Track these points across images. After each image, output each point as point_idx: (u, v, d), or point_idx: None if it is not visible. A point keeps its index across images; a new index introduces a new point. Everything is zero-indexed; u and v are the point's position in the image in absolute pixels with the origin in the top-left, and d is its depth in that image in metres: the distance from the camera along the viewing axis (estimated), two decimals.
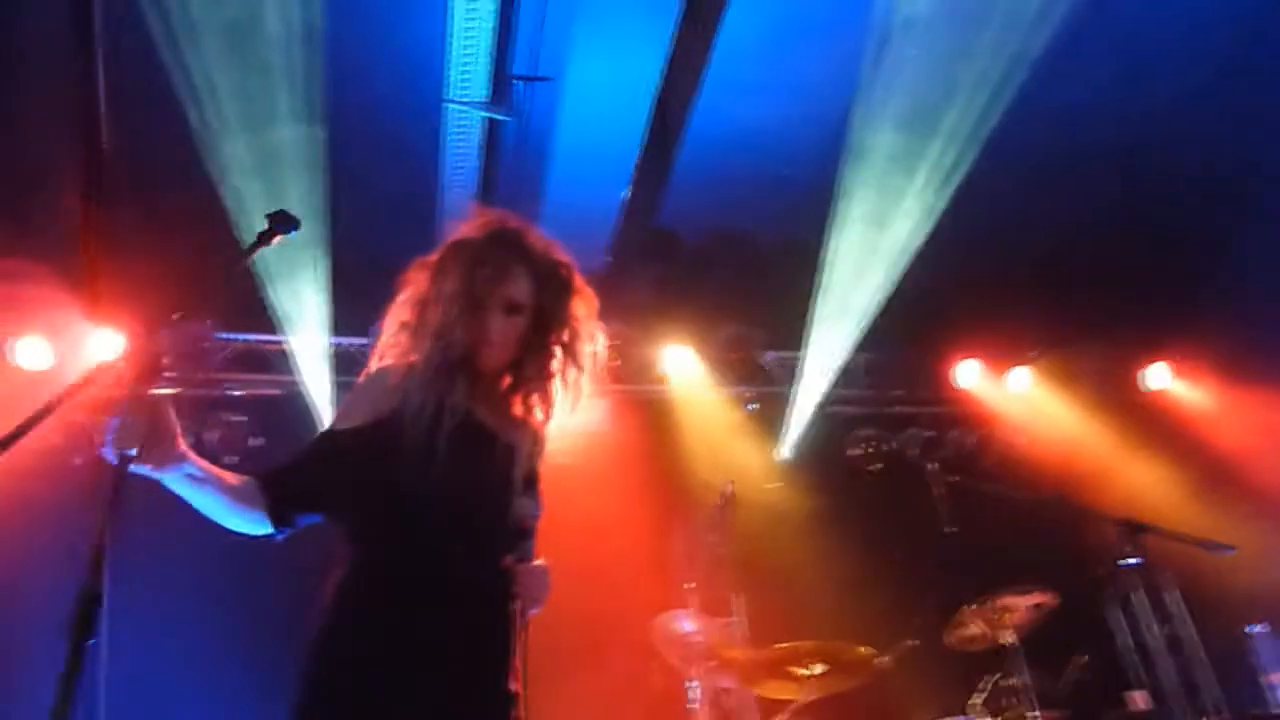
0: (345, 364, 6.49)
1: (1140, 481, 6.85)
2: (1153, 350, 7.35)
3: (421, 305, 2.34)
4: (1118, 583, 7.08)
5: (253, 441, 6.28)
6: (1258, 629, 4.31)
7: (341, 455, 2.20)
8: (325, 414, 6.30)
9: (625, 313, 6.64)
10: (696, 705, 4.32)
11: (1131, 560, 4.01)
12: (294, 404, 6.30)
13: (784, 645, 4.33)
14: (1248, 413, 6.67)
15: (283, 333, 6.11)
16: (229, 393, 6.45)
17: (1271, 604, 5.20)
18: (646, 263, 6.48)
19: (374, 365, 2.38)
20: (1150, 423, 7.16)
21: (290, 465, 2.22)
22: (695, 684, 4.39)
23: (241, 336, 6.42)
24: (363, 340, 6.61)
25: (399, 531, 2.14)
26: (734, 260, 6.90)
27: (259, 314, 5.91)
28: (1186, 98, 5.52)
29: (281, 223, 2.33)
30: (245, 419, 6.32)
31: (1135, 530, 3.98)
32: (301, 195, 5.21)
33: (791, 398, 7.17)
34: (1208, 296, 6.14)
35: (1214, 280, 6.09)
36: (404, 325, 2.37)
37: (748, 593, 7.08)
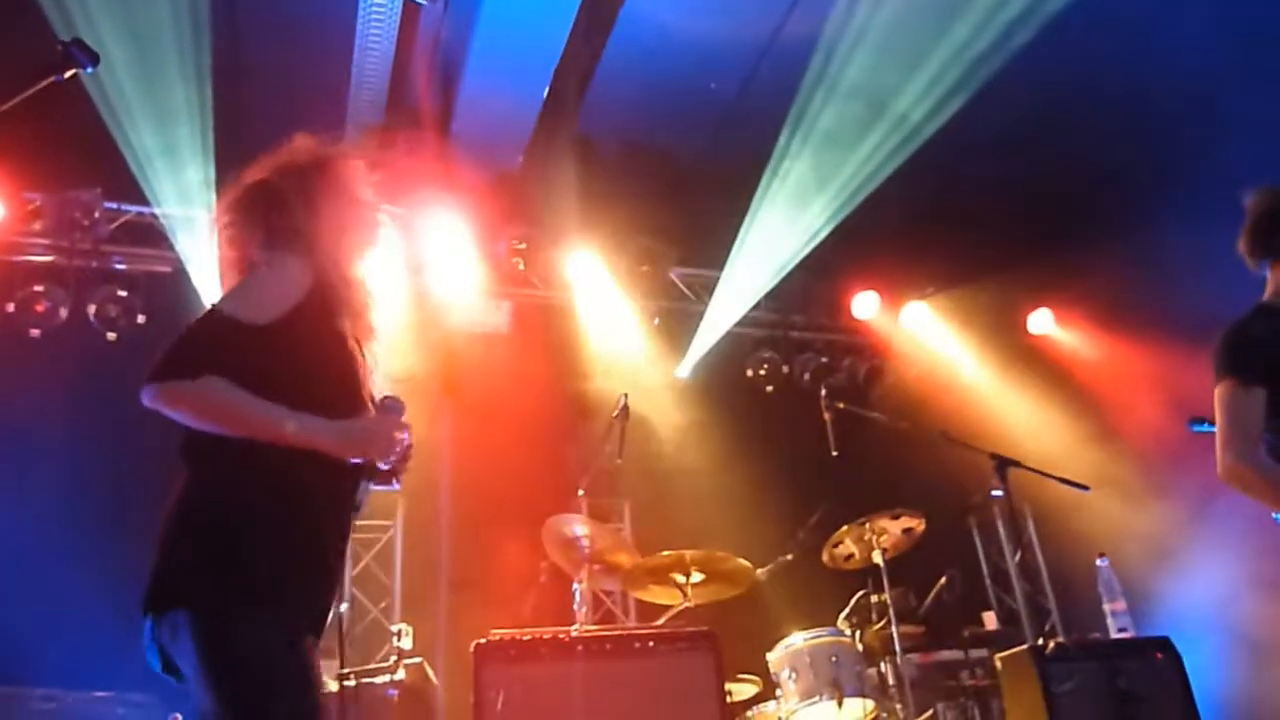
0: None
1: (1017, 420, 7.22)
2: (1040, 297, 7.65)
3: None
4: (983, 512, 7.61)
5: (139, 319, 6.02)
6: (1103, 561, 4.64)
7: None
8: (210, 291, 6.03)
9: (534, 216, 6.52)
10: (579, 606, 4.43)
11: (997, 492, 4.26)
12: (181, 281, 6.03)
13: (666, 553, 4.46)
14: (1121, 362, 7.05)
15: (171, 206, 5.83)
16: (115, 266, 6.15)
17: (1117, 539, 5.61)
18: (561, 167, 6.36)
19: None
20: (1033, 365, 7.50)
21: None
22: (580, 585, 4.50)
23: (133, 208, 6.10)
24: None
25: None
26: (651, 173, 6.83)
27: (147, 186, 5.62)
28: (1086, 69, 5.71)
29: (79, 54, 2.28)
30: (128, 294, 6.02)
31: (1004, 465, 4.20)
32: (184, 66, 4.93)
33: (699, 316, 7.25)
34: (1091, 248, 6.40)
35: (1097, 234, 6.35)
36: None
37: (636, 502, 7.26)
